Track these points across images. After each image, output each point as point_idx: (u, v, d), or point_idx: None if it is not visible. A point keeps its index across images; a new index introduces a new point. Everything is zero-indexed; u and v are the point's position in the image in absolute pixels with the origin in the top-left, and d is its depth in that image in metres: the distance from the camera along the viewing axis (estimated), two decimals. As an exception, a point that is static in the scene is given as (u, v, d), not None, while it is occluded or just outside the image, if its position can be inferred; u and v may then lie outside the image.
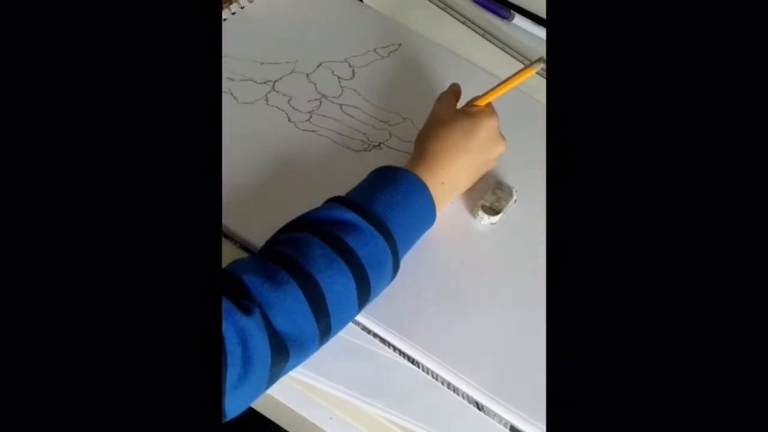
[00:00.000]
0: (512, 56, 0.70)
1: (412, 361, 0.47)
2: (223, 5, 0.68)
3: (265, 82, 0.63)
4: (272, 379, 0.40)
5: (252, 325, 0.38)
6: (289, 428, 0.50)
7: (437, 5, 0.74)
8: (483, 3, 0.74)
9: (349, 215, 0.44)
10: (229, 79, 0.62)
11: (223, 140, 0.53)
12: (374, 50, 0.67)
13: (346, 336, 0.45)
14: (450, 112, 0.52)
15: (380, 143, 0.59)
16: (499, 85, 0.53)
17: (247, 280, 0.39)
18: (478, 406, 0.46)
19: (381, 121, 0.61)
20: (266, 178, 0.55)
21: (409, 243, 0.49)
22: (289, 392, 0.46)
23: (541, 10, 0.73)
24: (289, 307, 0.39)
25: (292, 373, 0.43)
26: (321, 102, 0.62)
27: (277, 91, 0.62)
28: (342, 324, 0.44)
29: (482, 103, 0.53)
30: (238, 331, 0.37)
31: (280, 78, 0.63)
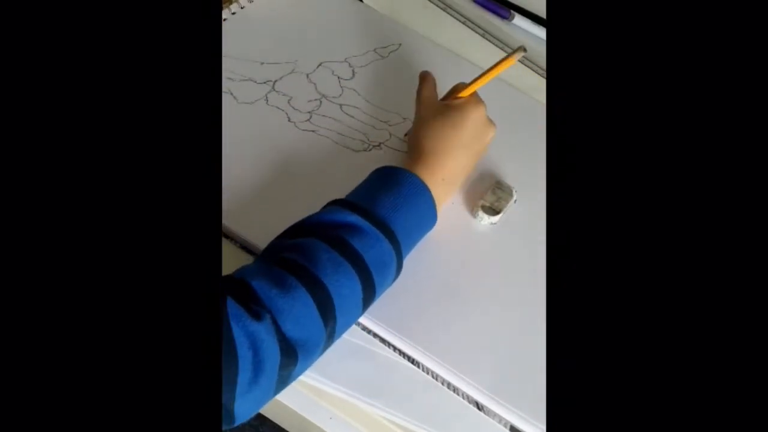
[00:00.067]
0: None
1: (412, 361, 0.47)
2: (223, 5, 0.68)
3: (265, 82, 0.63)
4: (280, 384, 0.40)
5: (262, 330, 0.38)
6: (289, 428, 0.50)
7: (437, 5, 0.74)
8: (483, 3, 0.74)
9: (354, 218, 0.44)
10: (229, 79, 0.62)
11: (223, 140, 0.53)
12: (374, 50, 0.67)
13: (347, 336, 0.45)
14: (435, 108, 0.52)
15: (380, 143, 0.59)
16: (481, 75, 0.53)
17: (255, 286, 0.39)
18: (478, 406, 0.46)
19: (381, 121, 0.61)
20: (266, 178, 0.55)
21: (412, 244, 0.49)
22: (289, 393, 0.45)
23: (541, 10, 0.73)
24: (298, 312, 0.39)
25: (292, 373, 0.43)
26: (321, 102, 0.62)
27: (277, 91, 0.62)
28: (346, 327, 0.44)
29: (466, 94, 0.53)
30: (249, 335, 0.37)
31: (280, 78, 0.63)
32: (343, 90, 0.63)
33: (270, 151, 0.57)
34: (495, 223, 0.54)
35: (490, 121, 0.53)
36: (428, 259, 0.51)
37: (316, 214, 0.45)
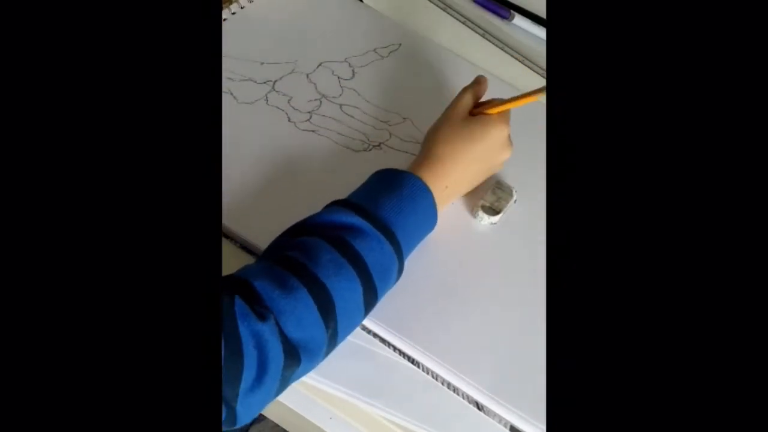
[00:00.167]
0: (512, 56, 0.70)
1: (412, 361, 0.47)
2: (223, 5, 0.68)
3: (265, 82, 0.63)
4: (282, 385, 0.40)
5: (267, 330, 0.38)
6: (289, 428, 0.50)
7: (437, 5, 0.74)
8: (483, 3, 0.74)
9: (356, 220, 0.44)
10: (229, 79, 0.62)
11: (223, 140, 0.53)
12: (374, 50, 0.67)
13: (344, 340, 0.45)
14: (464, 115, 0.51)
15: (380, 143, 0.59)
16: (520, 97, 0.51)
17: (258, 286, 0.39)
18: (478, 406, 0.46)
19: (381, 121, 0.61)
20: (266, 178, 0.55)
21: (412, 247, 0.49)
22: (289, 392, 0.45)
23: (541, 10, 0.73)
24: (299, 313, 0.39)
25: (292, 373, 0.43)
26: (321, 102, 0.62)
27: (277, 91, 0.62)
28: (349, 330, 0.44)
29: (494, 111, 0.52)
30: (255, 335, 0.37)
31: (280, 78, 0.63)
32: (343, 90, 0.63)
33: (270, 151, 0.57)
34: (495, 223, 0.54)
35: (510, 143, 0.53)
36: (428, 259, 0.51)
37: (319, 213, 0.45)
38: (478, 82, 0.54)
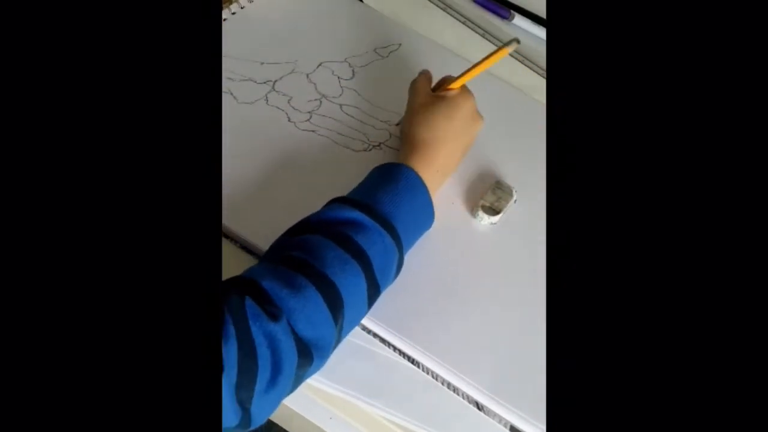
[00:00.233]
0: (512, 56, 0.70)
1: (412, 361, 0.47)
2: (223, 5, 0.68)
3: (265, 82, 0.62)
4: (296, 383, 0.40)
5: (280, 330, 0.38)
6: (289, 428, 0.50)
7: (437, 5, 0.74)
8: (483, 3, 0.74)
9: (357, 214, 0.44)
10: (229, 79, 0.62)
11: (223, 140, 0.53)
12: (374, 50, 0.67)
13: (347, 336, 0.45)
14: (428, 99, 0.53)
15: (380, 143, 0.59)
16: (472, 67, 0.53)
17: (266, 286, 0.39)
18: (478, 406, 0.46)
19: (381, 121, 0.61)
20: (266, 178, 0.55)
21: (412, 241, 0.49)
22: (289, 392, 0.46)
23: (541, 10, 0.73)
24: (309, 312, 0.39)
25: (292, 373, 0.43)
26: (321, 102, 0.62)
27: (277, 91, 0.62)
28: (354, 325, 0.44)
29: (456, 86, 0.53)
30: (267, 335, 0.37)
31: (280, 78, 0.63)
32: (343, 90, 0.63)
33: (270, 151, 0.57)
34: (495, 223, 0.54)
35: (479, 114, 0.54)
36: (428, 258, 0.51)
37: (319, 212, 0.46)
38: (422, 71, 0.56)
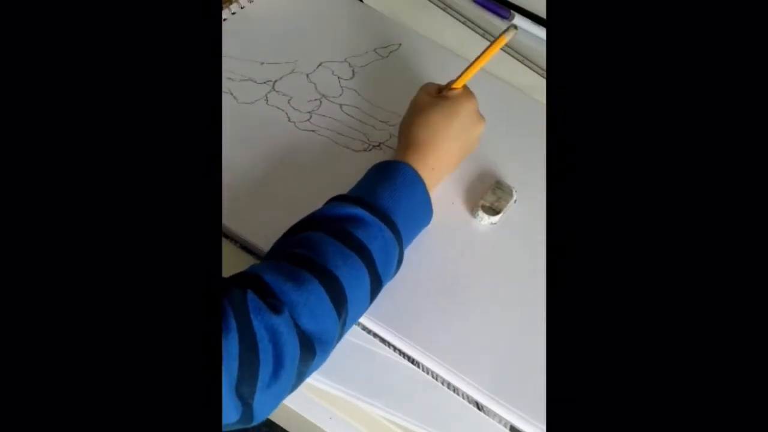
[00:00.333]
0: (512, 56, 0.70)
1: (412, 361, 0.47)
2: (223, 5, 0.68)
3: (265, 82, 0.62)
4: (298, 379, 0.40)
5: (282, 323, 0.38)
6: (289, 428, 0.50)
7: (437, 5, 0.74)
8: (483, 3, 0.74)
9: (356, 210, 0.44)
10: (229, 79, 0.62)
11: (223, 140, 0.53)
12: (374, 50, 0.67)
13: (347, 336, 0.45)
14: (430, 98, 0.53)
15: (380, 143, 0.59)
16: (472, 63, 0.53)
17: (269, 280, 0.39)
18: (478, 406, 0.46)
19: (381, 121, 0.61)
20: (266, 178, 0.55)
21: (412, 236, 0.49)
22: (289, 392, 0.46)
23: (541, 10, 0.73)
24: (313, 305, 0.40)
25: (292, 373, 0.43)
26: (321, 102, 0.62)
27: (277, 91, 0.62)
28: (356, 319, 0.45)
29: (459, 85, 0.53)
30: (269, 329, 0.37)
31: (280, 78, 0.63)
32: (343, 90, 0.63)
33: (270, 151, 0.57)
34: (495, 223, 0.54)
35: (481, 116, 0.54)
36: (428, 258, 0.51)
37: (319, 209, 0.46)
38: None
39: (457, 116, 0.51)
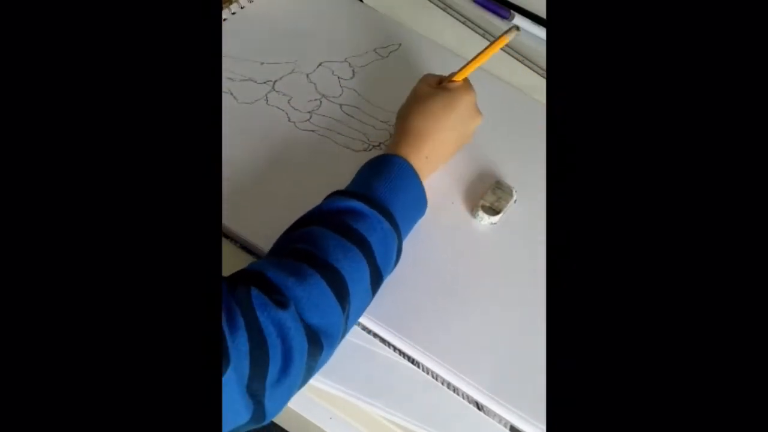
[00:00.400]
0: (512, 56, 0.70)
1: (412, 361, 0.47)
2: (223, 5, 0.68)
3: (265, 82, 0.62)
4: (307, 374, 0.40)
5: (289, 318, 0.38)
6: (289, 428, 0.50)
7: (437, 5, 0.74)
8: (483, 3, 0.74)
9: (354, 203, 0.44)
10: (229, 79, 0.62)
11: (223, 140, 0.53)
12: (374, 50, 0.67)
13: (347, 336, 0.45)
14: (430, 89, 0.53)
15: (380, 143, 0.59)
16: (474, 58, 0.53)
17: (271, 276, 0.39)
18: (478, 406, 0.46)
19: (381, 121, 0.61)
20: (266, 178, 0.55)
21: (409, 228, 0.49)
22: (289, 392, 0.46)
23: (541, 10, 0.73)
24: (316, 299, 0.40)
25: (292, 373, 0.43)
26: (321, 102, 0.62)
27: (277, 91, 0.62)
28: (359, 314, 0.45)
29: (460, 78, 0.53)
30: (276, 324, 0.37)
31: (280, 78, 0.63)
32: (343, 90, 0.63)
33: (270, 151, 0.57)
34: (495, 223, 0.54)
35: (478, 111, 0.54)
36: (428, 258, 0.51)
37: (318, 205, 0.46)
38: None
39: (456, 108, 0.51)
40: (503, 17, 0.73)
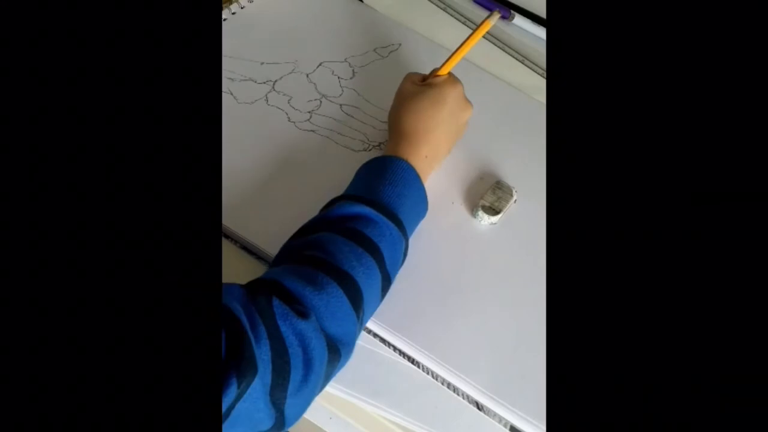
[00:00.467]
0: (512, 56, 0.70)
1: (412, 361, 0.47)
2: (223, 5, 0.68)
3: (265, 82, 0.63)
4: (326, 380, 0.40)
5: (310, 328, 0.38)
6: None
7: (437, 5, 0.74)
8: (483, 3, 0.74)
9: (363, 209, 0.44)
10: (229, 79, 0.62)
11: (223, 140, 0.53)
12: (374, 50, 0.67)
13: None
14: (415, 87, 0.53)
15: (380, 143, 0.59)
16: (457, 50, 0.53)
17: (289, 285, 0.39)
18: (478, 406, 0.46)
19: (381, 121, 0.61)
20: (266, 178, 0.55)
21: (412, 230, 0.49)
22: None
23: (541, 10, 0.73)
24: (334, 308, 0.40)
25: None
26: (321, 102, 0.62)
27: (277, 91, 0.62)
28: (369, 317, 0.45)
29: (444, 71, 0.53)
30: (297, 334, 0.37)
31: (280, 78, 0.63)
32: (343, 90, 0.63)
33: (270, 151, 0.57)
34: (495, 223, 0.54)
35: (467, 101, 0.54)
36: (428, 258, 0.51)
37: (324, 212, 0.46)
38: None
39: (445, 103, 0.51)
40: (503, 17, 0.73)
